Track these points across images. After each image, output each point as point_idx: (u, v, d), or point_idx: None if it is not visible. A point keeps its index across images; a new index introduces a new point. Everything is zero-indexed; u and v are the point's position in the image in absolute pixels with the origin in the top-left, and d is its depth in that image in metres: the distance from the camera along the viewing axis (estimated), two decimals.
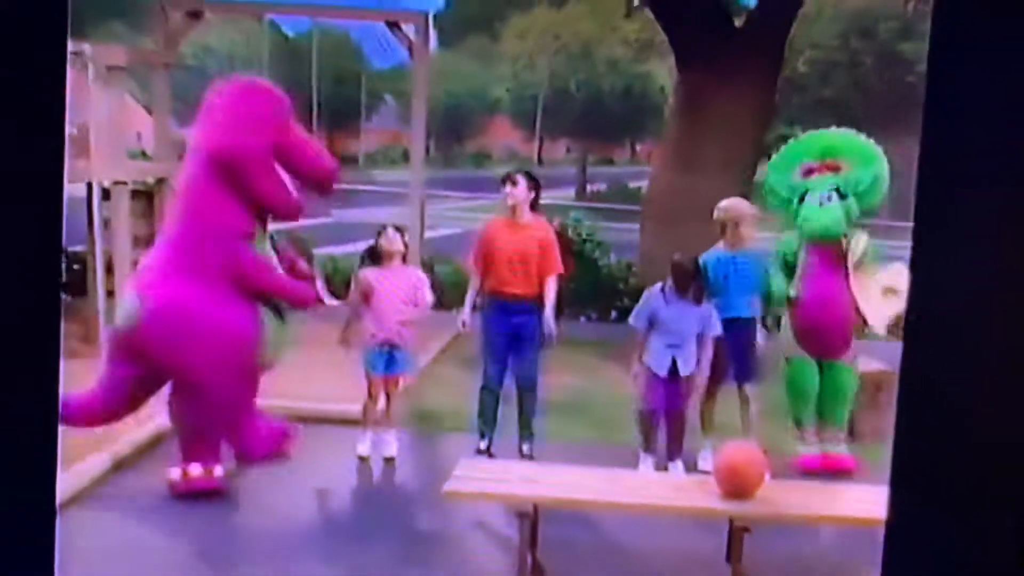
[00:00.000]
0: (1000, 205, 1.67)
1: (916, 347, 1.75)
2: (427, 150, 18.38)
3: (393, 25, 15.25)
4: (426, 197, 16.46)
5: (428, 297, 9.97)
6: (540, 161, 61.61)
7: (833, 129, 10.77)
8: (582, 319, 16.54)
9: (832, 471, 10.01)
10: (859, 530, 8.46)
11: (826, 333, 10.18)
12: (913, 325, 1.75)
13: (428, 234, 16.66)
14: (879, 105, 41.20)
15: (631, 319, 9.93)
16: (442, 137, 60.79)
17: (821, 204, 10.03)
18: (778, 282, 10.30)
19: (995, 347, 1.70)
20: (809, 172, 10.22)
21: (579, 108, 52.33)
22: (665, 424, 9.89)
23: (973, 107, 1.66)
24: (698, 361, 9.72)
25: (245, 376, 9.02)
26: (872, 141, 10.61)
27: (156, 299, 9.03)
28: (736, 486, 7.51)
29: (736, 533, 7.55)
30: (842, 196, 10.03)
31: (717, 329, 9.73)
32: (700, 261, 9.88)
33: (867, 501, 8.07)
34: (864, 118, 42.29)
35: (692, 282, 9.61)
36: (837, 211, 10.01)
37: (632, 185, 44.89)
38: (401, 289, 9.85)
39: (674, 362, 9.68)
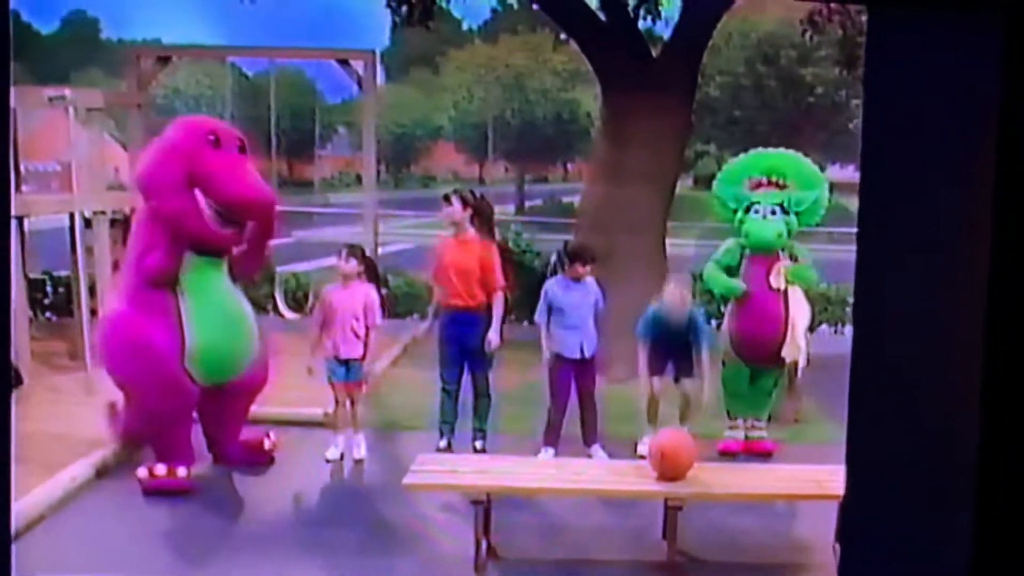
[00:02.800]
0: (936, 204, 1.67)
1: (865, 336, 1.74)
2: (378, 174, 18.29)
3: (343, 62, 15.20)
4: (379, 216, 16.43)
5: (377, 313, 9.90)
6: (482, 181, 61.59)
7: (781, 150, 10.78)
8: (524, 323, 16.52)
9: (755, 454, 10.07)
10: (781, 505, 8.56)
11: (760, 344, 10.14)
12: (861, 314, 1.74)
13: (381, 250, 16.58)
14: (783, 123, 41.53)
15: (536, 316, 10.10)
16: (391, 162, 60.59)
17: (765, 217, 10.02)
18: (720, 282, 10.29)
19: (936, 333, 1.70)
20: (756, 187, 10.22)
21: (515, 133, 52.39)
22: (579, 408, 9.98)
23: (908, 114, 1.66)
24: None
25: (168, 387, 8.99)
26: (814, 165, 10.66)
27: (103, 319, 9.58)
28: (668, 469, 7.53)
29: (670, 512, 7.56)
30: (785, 212, 10.02)
31: (601, 303, 9.96)
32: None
33: (785, 479, 8.15)
34: (770, 134, 42.65)
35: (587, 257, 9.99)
36: (780, 225, 9.99)
37: (565, 200, 44.89)
38: (353, 306, 9.80)
39: (581, 345, 9.83)
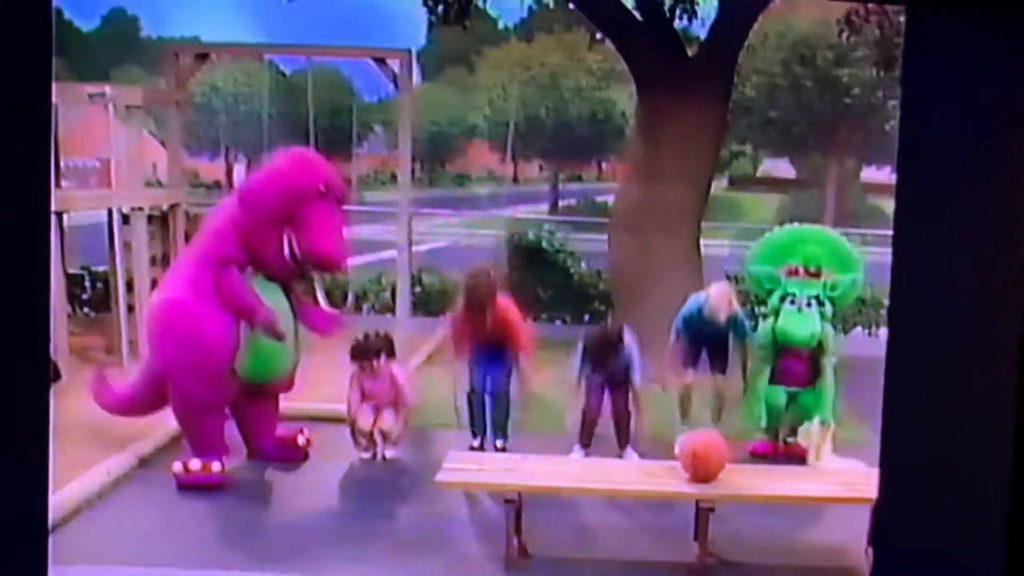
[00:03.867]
0: (972, 205, 1.66)
1: (900, 339, 1.73)
2: (413, 172, 18.32)
3: (380, 61, 15.22)
4: (413, 215, 16.44)
5: (408, 397, 10.07)
6: (516, 180, 61.62)
7: (817, 229, 10.66)
8: (557, 322, 16.53)
9: (794, 456, 10.00)
10: (813, 508, 8.51)
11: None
12: (896, 317, 1.74)
13: (416, 248, 16.62)
14: (819, 124, 41.33)
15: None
16: (426, 160, 60.64)
17: (800, 310, 9.95)
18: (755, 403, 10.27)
19: (971, 335, 1.69)
20: (792, 273, 10.12)
21: (549, 131, 52.38)
22: (612, 420, 9.97)
23: (945, 115, 1.65)
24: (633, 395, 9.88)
25: (211, 381, 9.09)
26: (851, 247, 10.53)
27: (154, 303, 9.76)
28: (700, 470, 7.52)
29: (701, 513, 7.54)
30: (820, 303, 9.96)
31: (637, 375, 9.82)
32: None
33: (817, 482, 8.12)
34: (806, 135, 42.46)
35: (606, 356, 9.77)
36: (815, 319, 9.92)
37: (599, 199, 44.85)
38: (384, 394, 9.92)
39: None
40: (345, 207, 9.66)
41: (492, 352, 9.96)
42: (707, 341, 10.07)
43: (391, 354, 10.11)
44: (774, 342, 10.10)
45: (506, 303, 10.01)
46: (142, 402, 9.60)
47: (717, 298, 9.86)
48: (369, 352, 9.92)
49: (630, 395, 9.86)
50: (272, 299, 9.28)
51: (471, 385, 10.11)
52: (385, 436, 9.95)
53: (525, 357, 10.00)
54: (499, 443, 10.11)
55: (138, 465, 9.38)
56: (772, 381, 10.14)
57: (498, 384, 10.10)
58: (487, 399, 10.09)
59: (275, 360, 9.41)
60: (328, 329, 9.89)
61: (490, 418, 10.13)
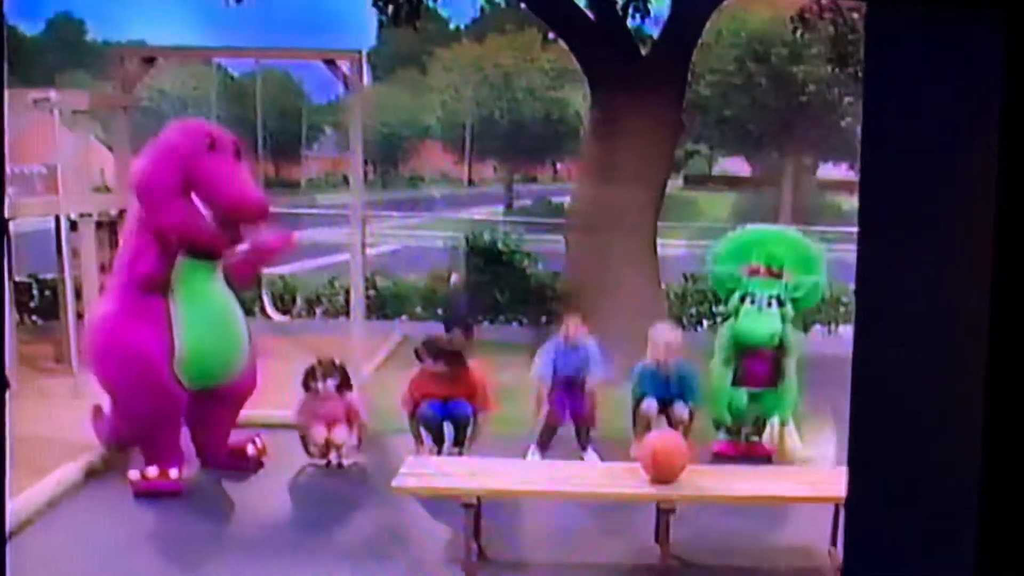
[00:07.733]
0: (938, 203, 1.66)
1: (866, 337, 1.74)
2: (365, 174, 18.26)
3: (329, 62, 15.16)
4: (366, 217, 16.38)
5: (363, 416, 10.04)
6: (470, 182, 61.63)
7: (780, 230, 10.67)
8: (514, 324, 16.51)
9: (755, 456, 10.03)
10: (775, 508, 8.54)
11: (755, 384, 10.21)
12: (863, 315, 1.74)
13: (370, 251, 16.56)
14: (774, 122, 41.53)
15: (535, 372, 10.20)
16: (379, 162, 60.54)
17: (760, 309, 9.97)
18: (718, 392, 10.28)
19: (936, 334, 1.70)
20: (754, 272, 10.11)
21: (503, 132, 52.42)
22: (573, 424, 10.06)
23: (909, 113, 1.65)
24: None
25: (155, 392, 9.00)
26: (815, 247, 10.53)
27: (91, 322, 9.72)
28: (661, 471, 7.52)
29: (662, 514, 7.55)
30: (780, 304, 9.95)
31: (597, 373, 9.97)
32: None
33: (779, 482, 8.15)
34: (762, 133, 42.64)
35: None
36: (775, 319, 9.93)
37: (555, 200, 44.90)
38: (335, 411, 9.88)
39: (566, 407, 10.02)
40: (242, 160, 9.39)
41: (450, 403, 9.87)
42: (663, 399, 9.95)
43: (346, 384, 10.02)
44: (735, 343, 10.11)
45: (476, 367, 10.01)
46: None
47: (658, 337, 9.80)
48: (317, 377, 9.89)
49: (589, 398, 9.92)
50: (205, 286, 9.21)
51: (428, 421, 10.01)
52: (337, 448, 9.89)
53: (484, 414, 9.93)
54: (456, 449, 10.06)
55: (89, 474, 9.30)
56: (735, 383, 10.16)
57: (459, 416, 9.99)
58: (446, 425, 9.99)
59: (219, 361, 9.30)
60: (280, 244, 9.81)
61: (450, 437, 10.05)
